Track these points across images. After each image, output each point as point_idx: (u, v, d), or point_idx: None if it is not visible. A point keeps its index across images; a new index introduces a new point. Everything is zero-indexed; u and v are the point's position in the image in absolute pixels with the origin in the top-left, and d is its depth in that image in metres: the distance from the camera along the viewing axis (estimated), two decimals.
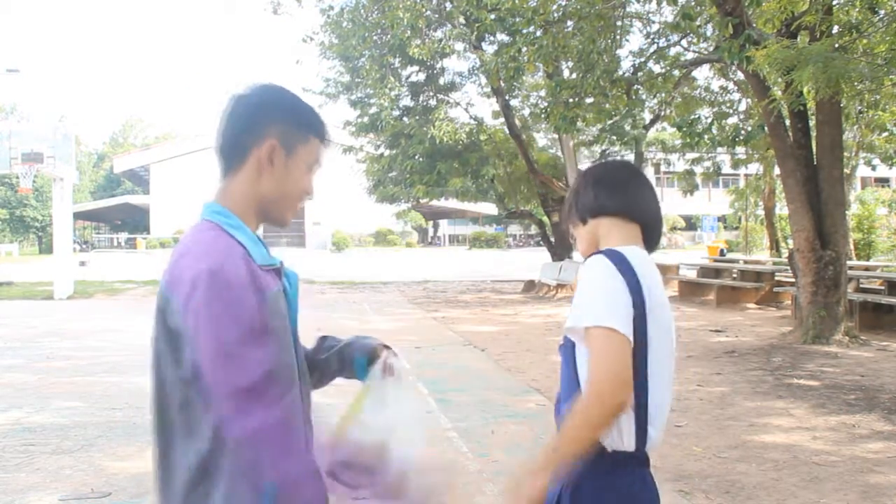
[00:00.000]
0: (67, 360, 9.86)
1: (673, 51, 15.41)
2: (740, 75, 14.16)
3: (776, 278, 16.34)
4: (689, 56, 15.10)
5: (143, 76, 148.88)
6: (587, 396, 1.72)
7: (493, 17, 14.78)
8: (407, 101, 20.23)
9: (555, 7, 12.50)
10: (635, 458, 1.85)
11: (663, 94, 16.80)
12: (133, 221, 69.10)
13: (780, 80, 9.94)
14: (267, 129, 1.68)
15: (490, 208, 35.10)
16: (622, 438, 1.82)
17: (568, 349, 1.90)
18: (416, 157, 19.81)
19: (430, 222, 67.29)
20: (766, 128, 11.41)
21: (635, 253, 1.90)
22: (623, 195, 2.02)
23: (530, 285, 20.30)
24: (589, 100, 13.67)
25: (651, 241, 2.03)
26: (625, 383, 1.72)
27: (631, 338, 1.76)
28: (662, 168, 29.34)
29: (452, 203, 27.75)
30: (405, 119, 19.67)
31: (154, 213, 57.05)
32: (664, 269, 20.64)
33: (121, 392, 7.77)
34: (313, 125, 1.75)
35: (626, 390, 1.73)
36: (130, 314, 15.22)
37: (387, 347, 2.06)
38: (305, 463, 1.57)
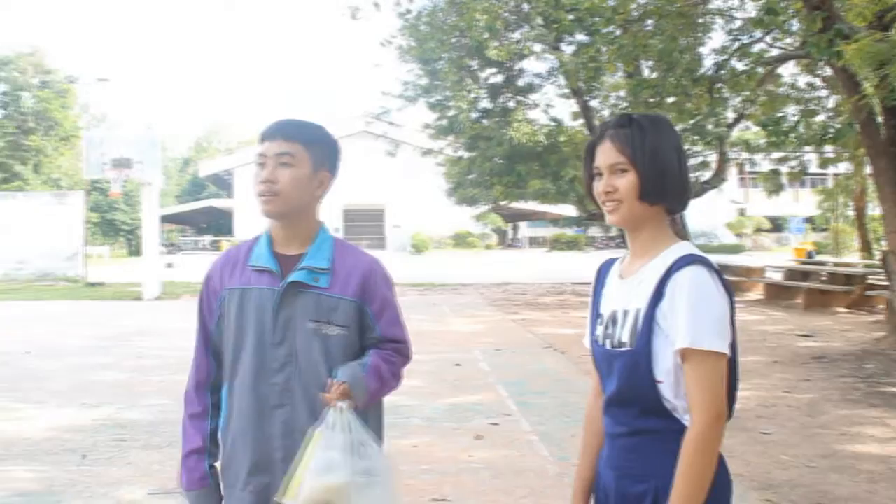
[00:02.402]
0: (156, 359, 10.15)
1: (757, 47, 14.98)
2: (828, 71, 13.70)
3: (868, 281, 15.74)
4: (774, 52, 14.68)
5: (226, 82, 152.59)
6: (707, 431, 1.71)
7: (571, 17, 14.62)
8: (485, 104, 20.18)
9: (634, 6, 12.31)
10: None
11: (747, 93, 16.35)
12: (217, 224, 70.77)
13: (871, 75, 9.59)
14: None
15: (570, 210, 34.75)
16: None
17: (636, 356, 1.80)
18: (496, 159, 19.76)
19: (510, 224, 67.03)
20: (856, 125, 11.02)
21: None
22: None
23: None
24: (670, 99, 13.41)
25: None
26: (725, 405, 1.76)
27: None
28: (746, 168, 28.63)
29: (532, 205, 27.57)
30: (484, 121, 19.63)
31: (238, 216, 58.29)
32: (749, 272, 20.14)
33: None
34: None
35: (726, 412, 1.76)
36: None
37: (342, 396, 2.05)
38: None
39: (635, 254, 1.92)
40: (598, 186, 1.90)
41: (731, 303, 1.79)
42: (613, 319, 1.87)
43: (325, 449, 1.92)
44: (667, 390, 1.77)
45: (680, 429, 1.75)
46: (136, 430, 6.44)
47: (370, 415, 2.19)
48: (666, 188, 1.85)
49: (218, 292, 2.24)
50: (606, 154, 1.88)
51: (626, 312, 1.84)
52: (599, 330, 1.92)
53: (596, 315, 1.97)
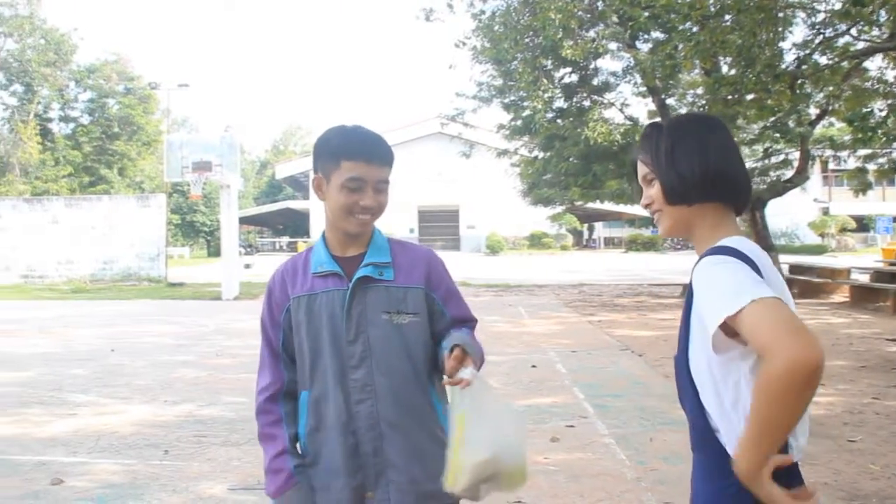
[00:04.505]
0: (234, 358, 10.37)
1: (841, 41, 14.56)
2: None
3: None
4: (860, 45, 14.22)
5: (302, 86, 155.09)
6: (773, 371, 1.40)
7: (647, 14, 14.40)
8: (560, 103, 20.03)
9: (712, 1, 12.07)
10: None
11: (831, 88, 15.87)
12: (294, 225, 71.94)
13: None
14: (316, 167, 2.25)
15: (646, 211, 34.31)
16: None
17: (678, 361, 1.80)
18: (571, 159, 19.61)
19: (585, 225, 66.49)
20: None
21: (745, 244, 1.69)
22: (720, 178, 1.75)
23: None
24: (750, 96, 13.12)
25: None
26: (810, 334, 1.40)
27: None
28: (830, 166, 27.76)
29: (608, 205, 27.31)
30: (559, 121, 19.48)
31: (314, 218, 59.09)
32: (833, 273, 19.51)
33: None
34: (340, 152, 2.17)
35: (815, 342, 1.39)
36: None
37: (462, 357, 2.08)
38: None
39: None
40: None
41: (756, 265, 1.60)
42: None
43: (470, 429, 1.97)
44: (708, 397, 1.67)
45: (721, 465, 1.60)
46: (216, 426, 6.57)
47: None
48: (689, 186, 1.75)
49: (282, 304, 2.27)
50: (639, 168, 1.88)
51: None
52: None
53: None
